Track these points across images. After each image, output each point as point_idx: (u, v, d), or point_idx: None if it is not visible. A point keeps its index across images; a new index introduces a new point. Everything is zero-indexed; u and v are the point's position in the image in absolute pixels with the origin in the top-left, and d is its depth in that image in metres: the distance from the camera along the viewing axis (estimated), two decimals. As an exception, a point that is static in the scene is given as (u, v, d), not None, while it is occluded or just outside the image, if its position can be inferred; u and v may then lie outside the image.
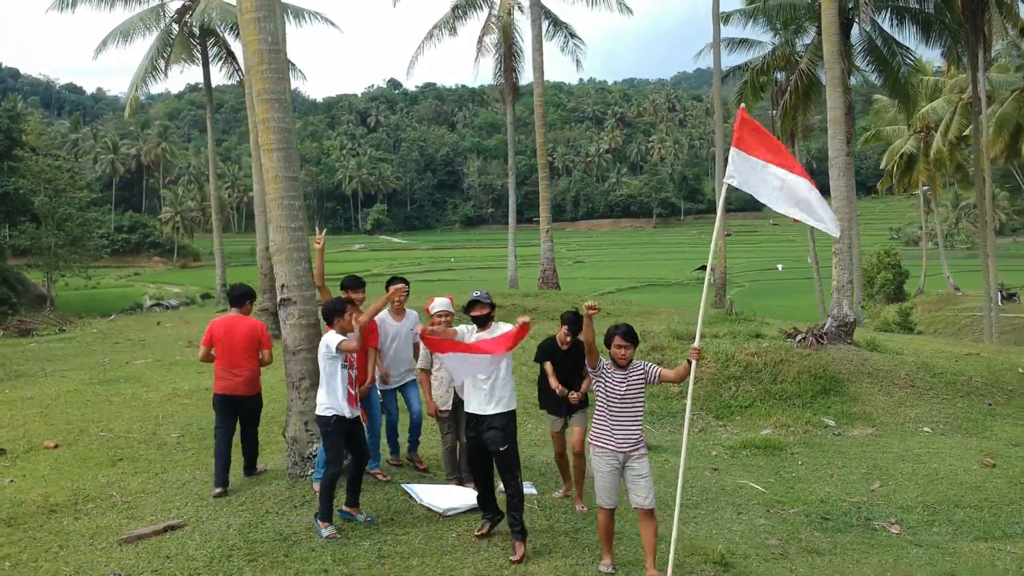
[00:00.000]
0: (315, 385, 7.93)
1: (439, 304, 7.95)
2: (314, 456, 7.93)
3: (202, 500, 7.76)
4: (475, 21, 35.25)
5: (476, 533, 7.01)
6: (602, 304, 25.32)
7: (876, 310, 54.70)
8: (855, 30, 30.53)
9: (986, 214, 35.17)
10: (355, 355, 7.44)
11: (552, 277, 25.59)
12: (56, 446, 9.84)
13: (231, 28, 29.63)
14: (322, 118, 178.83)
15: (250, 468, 8.45)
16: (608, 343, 6.56)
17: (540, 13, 26.47)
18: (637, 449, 6.58)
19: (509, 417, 6.89)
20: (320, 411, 7.18)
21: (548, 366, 8.12)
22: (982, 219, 35.22)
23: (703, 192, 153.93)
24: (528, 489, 8.31)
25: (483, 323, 7.15)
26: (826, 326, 14.99)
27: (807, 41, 32.60)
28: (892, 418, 12.67)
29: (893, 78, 30.26)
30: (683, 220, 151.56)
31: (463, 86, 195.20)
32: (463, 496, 7.71)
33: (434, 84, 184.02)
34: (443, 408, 8.01)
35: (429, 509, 7.56)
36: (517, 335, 6.67)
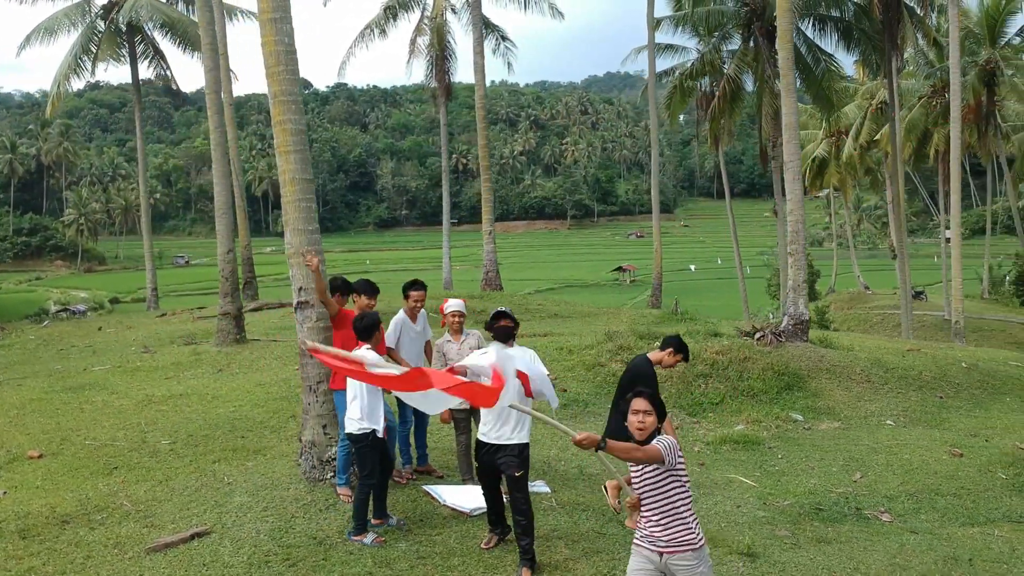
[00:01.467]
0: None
1: (453, 304, 8.04)
2: (333, 460, 7.90)
3: (220, 507, 7.66)
4: (405, 22, 35.29)
5: (483, 545, 6.94)
6: (543, 303, 25.67)
7: (787, 308, 56.46)
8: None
9: (901, 215, 36.72)
10: None
11: (495, 279, 25.71)
12: (40, 456, 9.54)
13: (160, 26, 28.93)
14: (231, 119, 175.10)
15: None
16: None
17: (480, 17, 26.57)
18: (679, 551, 4.88)
19: (524, 447, 6.73)
20: (354, 428, 7.11)
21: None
22: (898, 220, 36.76)
23: (616, 194, 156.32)
24: (541, 487, 8.43)
25: (506, 338, 6.93)
26: (783, 324, 15.51)
27: (732, 47, 33.58)
28: (855, 412, 13.19)
29: (816, 85, 31.34)
30: (597, 222, 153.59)
31: (375, 87, 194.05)
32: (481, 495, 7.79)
33: (345, 84, 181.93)
34: (460, 408, 8.05)
35: (454, 510, 7.61)
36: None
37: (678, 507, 4.93)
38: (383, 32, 34.66)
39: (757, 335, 15.27)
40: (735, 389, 13.59)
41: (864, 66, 38.06)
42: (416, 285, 8.41)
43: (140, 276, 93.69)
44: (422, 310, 8.58)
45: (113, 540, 7.06)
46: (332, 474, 7.89)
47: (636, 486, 4.97)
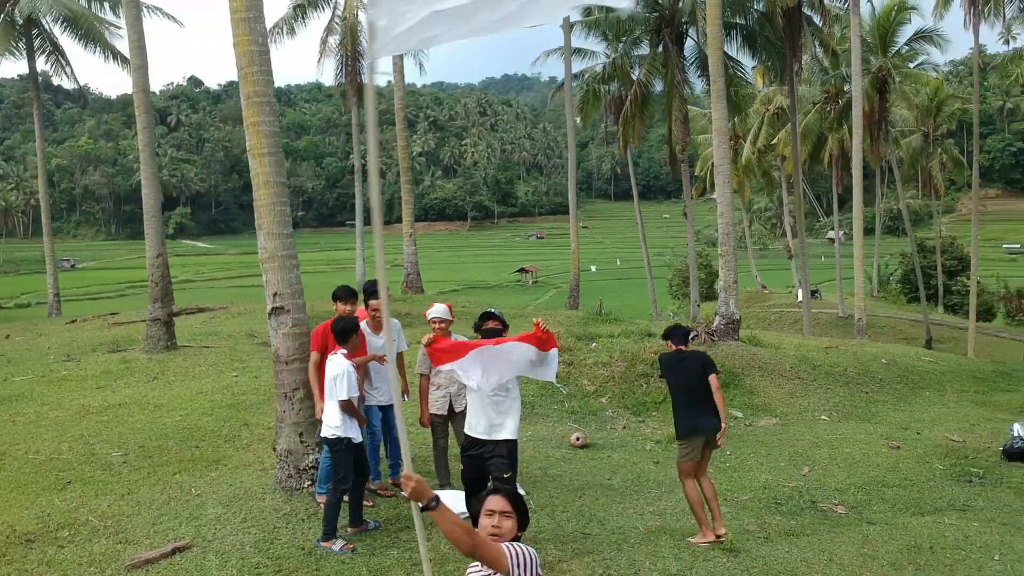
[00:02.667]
0: (309, 396, 7.79)
1: (436, 310, 7.97)
2: (310, 468, 7.76)
3: (195, 519, 7.43)
4: (315, 21, 34.76)
5: None
6: (466, 305, 25.63)
7: (691, 308, 57.95)
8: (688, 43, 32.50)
9: (801, 217, 38.09)
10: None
11: (416, 281, 25.58)
12: (-20, 471, 9.05)
13: (59, 21, 27.74)
14: (117, 116, 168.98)
15: None
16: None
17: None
18: None
19: (514, 445, 6.74)
20: (329, 433, 7.01)
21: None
22: (799, 221, 38.06)
23: (516, 196, 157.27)
24: (519, 490, 8.45)
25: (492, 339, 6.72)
26: (715, 323, 15.92)
27: (641, 52, 34.24)
28: (789, 408, 13.64)
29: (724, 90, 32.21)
30: (496, 223, 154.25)
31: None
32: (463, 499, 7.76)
33: (237, 83, 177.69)
34: (438, 413, 8.02)
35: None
36: (531, 337, 6.53)
37: None
38: (292, 31, 34.08)
39: (692, 335, 15.59)
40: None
41: (766, 72, 39.40)
42: (376, 293, 8.25)
43: (21, 281, 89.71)
44: (395, 320, 8.42)
45: (87, 558, 6.76)
46: (310, 483, 7.75)
47: None
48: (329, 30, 33.64)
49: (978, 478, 10.36)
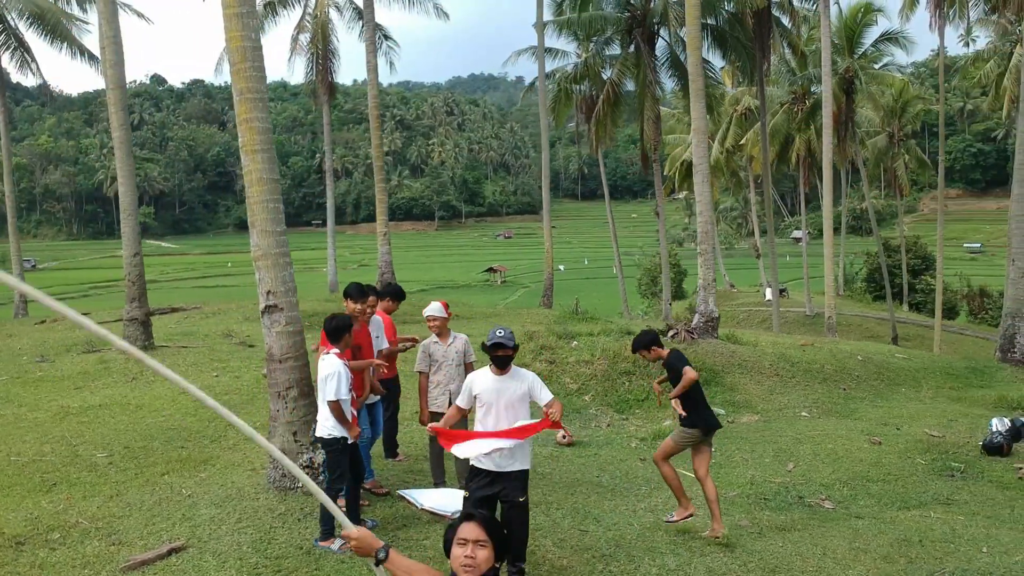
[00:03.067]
0: (303, 394, 7.74)
1: (431, 308, 7.98)
2: (304, 467, 7.69)
3: (188, 520, 7.34)
4: (285, 20, 34.45)
5: None
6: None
7: (660, 307, 58.28)
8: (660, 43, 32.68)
9: (770, 216, 38.43)
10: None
11: (391, 281, 25.43)
12: (-39, 474, 8.88)
13: (25, 17, 27.29)
14: (78, 115, 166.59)
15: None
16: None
17: (373, 17, 26.23)
18: None
19: (527, 472, 6.43)
20: (324, 433, 6.99)
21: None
22: (769, 220, 38.39)
23: (483, 195, 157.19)
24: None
25: (503, 365, 6.45)
26: (695, 321, 16.01)
27: (613, 52, 34.38)
28: (770, 405, 13.76)
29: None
30: (464, 223, 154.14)
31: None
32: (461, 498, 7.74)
33: (202, 81, 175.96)
34: (438, 411, 7.99)
35: (434, 513, 7.54)
36: (542, 426, 6.37)
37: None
38: (260, 29, 33.75)
39: (671, 333, 15.71)
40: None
41: (736, 72, 39.73)
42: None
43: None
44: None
45: (80, 560, 6.66)
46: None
47: None
48: (300, 28, 33.41)
49: (960, 472, 10.51)
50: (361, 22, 32.06)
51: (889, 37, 40.20)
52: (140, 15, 27.57)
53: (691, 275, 68.42)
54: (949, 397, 14.87)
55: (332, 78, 33.75)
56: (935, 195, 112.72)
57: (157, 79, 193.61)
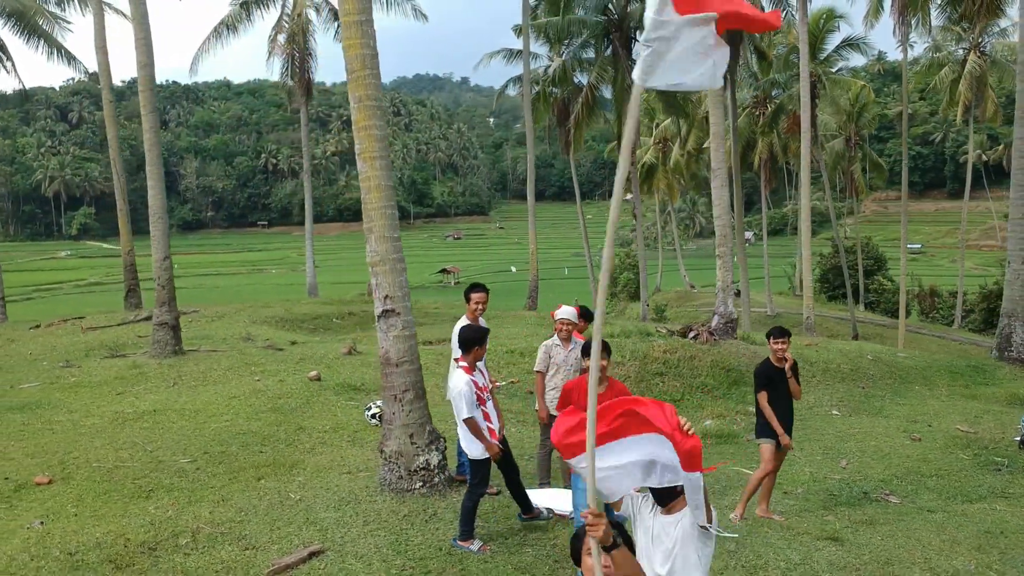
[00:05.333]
0: (418, 397, 7.84)
1: (563, 312, 8.07)
2: (421, 469, 7.80)
3: (313, 524, 7.40)
4: (260, 20, 34.18)
5: None
6: (415, 303, 25.57)
7: (621, 307, 58.91)
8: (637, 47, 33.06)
9: (740, 217, 39.14)
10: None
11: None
12: (51, 481, 8.76)
13: (3, 13, 26.64)
14: (14, 112, 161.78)
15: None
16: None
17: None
18: None
19: None
20: (473, 455, 7.06)
21: (763, 397, 8.34)
22: (738, 222, 39.08)
23: (432, 196, 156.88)
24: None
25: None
26: (715, 323, 16.37)
27: (588, 56, 34.75)
28: (800, 404, 13.94)
29: (670, 95, 33.01)
30: (413, 224, 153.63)
31: (174, 82, 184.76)
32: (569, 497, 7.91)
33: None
34: (555, 413, 8.13)
35: (552, 513, 7.67)
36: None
37: None
38: (234, 29, 33.44)
39: (691, 334, 16.03)
40: (690, 386, 14.26)
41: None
42: (477, 288, 8.32)
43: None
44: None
45: (220, 565, 6.69)
46: (421, 484, 7.78)
47: None
48: (279, 28, 33.16)
49: (1004, 467, 10.97)
50: (337, 23, 31.93)
51: (851, 43, 41.21)
52: (123, 15, 27.11)
53: (650, 274, 69.32)
54: (963, 395, 15.40)
55: (310, 78, 33.57)
56: (876, 196, 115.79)
57: (96, 77, 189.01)
